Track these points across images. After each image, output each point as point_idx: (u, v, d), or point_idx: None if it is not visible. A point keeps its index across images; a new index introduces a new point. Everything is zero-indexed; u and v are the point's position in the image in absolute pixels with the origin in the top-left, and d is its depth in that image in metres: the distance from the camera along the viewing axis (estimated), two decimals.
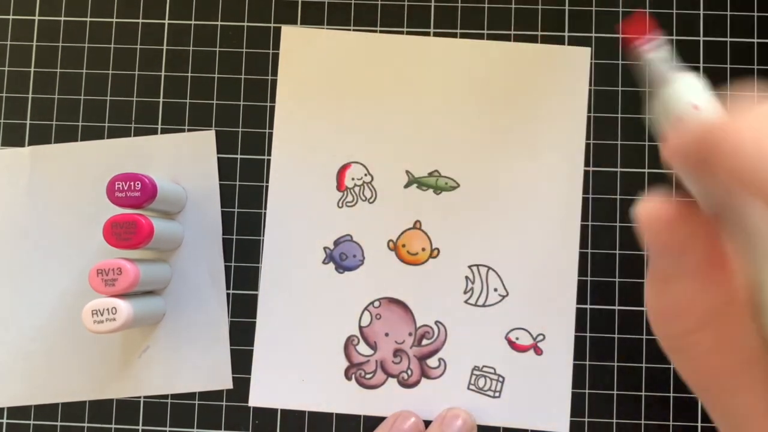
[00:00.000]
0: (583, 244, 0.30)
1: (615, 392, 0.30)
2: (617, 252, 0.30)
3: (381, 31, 0.32)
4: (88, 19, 0.32)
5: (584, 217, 0.30)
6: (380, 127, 0.31)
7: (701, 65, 0.31)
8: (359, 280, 0.31)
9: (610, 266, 0.30)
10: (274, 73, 0.32)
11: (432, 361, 0.30)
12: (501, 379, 0.30)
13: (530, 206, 0.31)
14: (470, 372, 0.30)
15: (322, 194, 0.31)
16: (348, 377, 0.30)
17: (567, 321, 0.30)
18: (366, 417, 0.30)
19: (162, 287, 0.31)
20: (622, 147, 0.31)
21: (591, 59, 0.31)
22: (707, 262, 0.18)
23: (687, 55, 0.31)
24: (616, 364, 0.30)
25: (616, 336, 0.30)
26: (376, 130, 0.31)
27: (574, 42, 0.31)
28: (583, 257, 0.30)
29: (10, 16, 0.33)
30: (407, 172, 0.31)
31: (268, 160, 0.31)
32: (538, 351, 0.30)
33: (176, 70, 0.32)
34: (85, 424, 0.30)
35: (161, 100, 0.32)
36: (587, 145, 0.31)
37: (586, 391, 0.30)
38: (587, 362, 0.30)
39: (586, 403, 0.30)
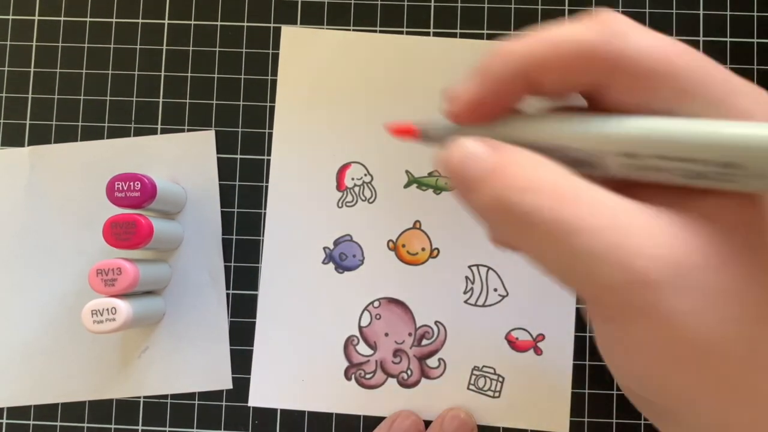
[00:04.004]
0: None
1: (615, 392, 0.30)
2: None
3: (381, 31, 0.32)
4: (88, 19, 0.32)
5: None
6: (380, 127, 0.31)
7: None
8: (359, 280, 0.31)
9: None
10: (274, 73, 0.32)
11: (432, 361, 0.30)
12: (501, 379, 0.30)
13: None
14: (470, 372, 0.30)
15: (322, 194, 0.31)
16: (348, 377, 0.30)
17: (567, 321, 0.30)
18: (366, 417, 0.30)
19: (162, 287, 0.31)
20: None
21: None
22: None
23: None
24: None
25: None
26: (376, 130, 0.31)
27: None
28: None
29: (10, 16, 0.33)
30: (407, 172, 0.31)
31: (268, 160, 0.31)
32: (538, 351, 0.30)
33: (176, 70, 0.32)
34: (85, 424, 0.30)
35: (161, 100, 0.32)
36: None
37: (586, 391, 0.30)
38: (587, 362, 0.30)
39: (586, 403, 0.30)
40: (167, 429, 0.30)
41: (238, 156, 0.32)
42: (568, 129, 0.17)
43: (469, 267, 0.30)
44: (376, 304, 0.31)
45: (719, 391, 0.17)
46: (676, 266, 0.15)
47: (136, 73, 0.32)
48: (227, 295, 0.31)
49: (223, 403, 0.30)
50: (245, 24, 0.32)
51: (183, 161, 0.31)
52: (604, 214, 0.16)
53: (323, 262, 0.31)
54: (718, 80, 0.16)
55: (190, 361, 0.30)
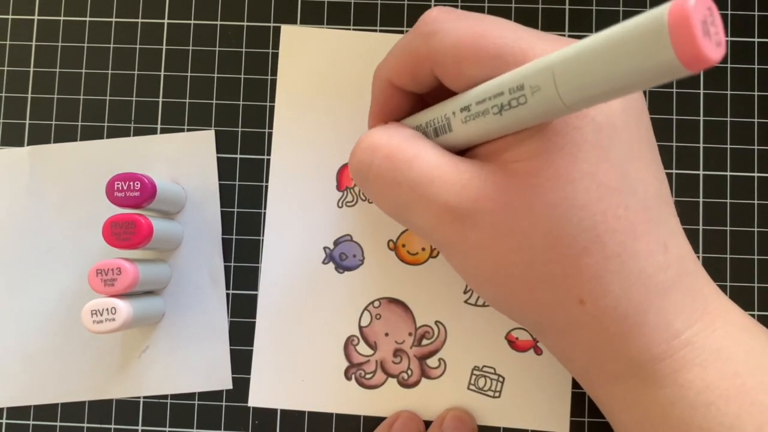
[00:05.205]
0: None
1: None
2: None
3: (381, 31, 0.32)
4: (88, 19, 0.32)
5: None
6: None
7: None
8: (359, 280, 0.31)
9: None
10: (274, 72, 0.32)
11: (432, 361, 0.30)
12: (501, 379, 0.30)
13: None
14: (470, 372, 0.30)
15: (322, 194, 0.31)
16: (348, 377, 0.30)
17: None
18: (366, 417, 0.30)
19: (162, 287, 0.31)
20: None
21: None
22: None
23: None
24: None
25: None
26: None
27: None
28: None
29: (10, 16, 0.33)
30: None
31: (268, 160, 0.31)
32: (538, 351, 0.30)
33: (176, 70, 0.32)
34: (85, 424, 0.30)
35: (161, 100, 0.32)
36: None
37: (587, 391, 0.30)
38: None
39: (586, 403, 0.30)
40: (167, 429, 0.30)
41: (238, 156, 0.32)
42: (431, 110, 0.23)
43: None
44: (376, 304, 0.31)
45: (513, 301, 0.22)
46: (472, 201, 0.20)
47: (135, 72, 0.32)
48: (227, 295, 0.31)
49: (223, 403, 0.30)
50: (245, 23, 0.32)
51: (183, 161, 0.31)
52: (423, 169, 0.21)
53: (323, 262, 0.31)
54: (510, 40, 0.20)
55: (190, 361, 0.30)
